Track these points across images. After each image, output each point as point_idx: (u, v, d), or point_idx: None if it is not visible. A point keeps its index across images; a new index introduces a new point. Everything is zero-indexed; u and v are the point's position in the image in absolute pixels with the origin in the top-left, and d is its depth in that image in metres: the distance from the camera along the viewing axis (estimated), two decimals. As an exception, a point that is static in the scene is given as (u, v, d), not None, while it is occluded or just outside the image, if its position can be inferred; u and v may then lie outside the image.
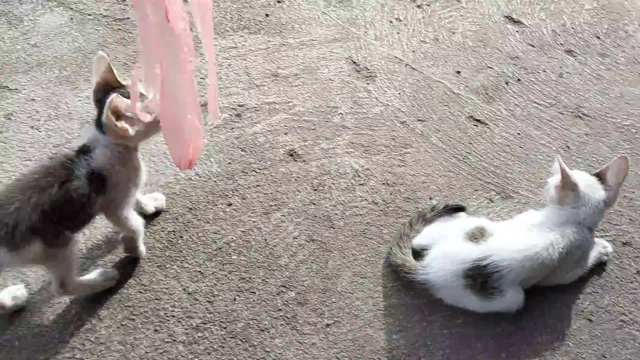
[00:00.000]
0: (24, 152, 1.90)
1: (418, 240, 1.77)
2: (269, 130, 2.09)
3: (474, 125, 2.18)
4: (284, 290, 1.67)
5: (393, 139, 2.11)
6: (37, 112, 2.01)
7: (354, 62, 2.37)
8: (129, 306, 1.60)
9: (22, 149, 1.91)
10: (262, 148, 2.03)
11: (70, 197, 1.35)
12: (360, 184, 1.95)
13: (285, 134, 2.08)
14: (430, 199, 1.92)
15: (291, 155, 2.02)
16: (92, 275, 1.58)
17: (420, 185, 1.96)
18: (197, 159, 1.43)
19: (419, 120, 2.18)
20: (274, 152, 2.02)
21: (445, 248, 1.66)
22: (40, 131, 1.96)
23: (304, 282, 1.69)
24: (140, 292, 1.63)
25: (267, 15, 2.51)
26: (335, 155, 2.03)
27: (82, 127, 1.99)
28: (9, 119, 1.98)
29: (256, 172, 1.96)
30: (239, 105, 2.15)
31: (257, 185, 1.91)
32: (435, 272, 1.61)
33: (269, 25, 2.47)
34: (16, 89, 2.07)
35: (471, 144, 2.11)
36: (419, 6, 2.67)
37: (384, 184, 1.96)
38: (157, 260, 1.70)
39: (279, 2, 2.58)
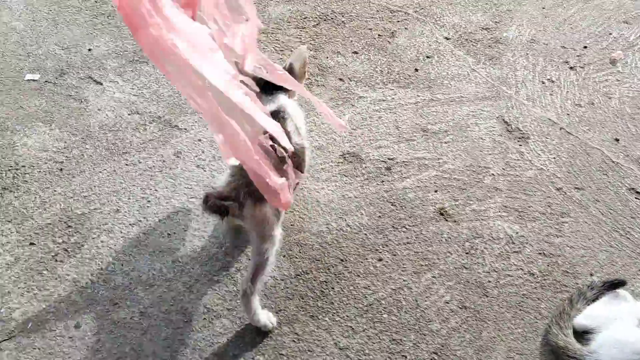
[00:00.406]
0: (190, 190, 2.01)
1: (580, 321, 1.66)
2: (418, 186, 2.07)
3: (636, 198, 2.04)
4: (436, 359, 1.62)
5: (549, 206, 2.02)
6: (203, 152, 2.14)
7: (506, 122, 2.32)
8: (282, 354, 1.62)
9: (188, 186, 2.03)
10: (412, 204, 2.02)
11: None
12: (514, 252, 1.87)
13: (435, 191, 2.06)
14: (591, 275, 1.81)
15: (442, 214, 1.99)
16: (260, 313, 1.62)
17: (580, 259, 1.86)
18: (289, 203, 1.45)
19: (576, 188, 2.08)
20: (424, 210, 2.00)
21: (616, 335, 1.55)
22: (205, 170, 2.08)
23: (457, 352, 1.63)
24: (293, 341, 1.65)
25: (416, 70, 2.53)
26: (487, 217, 1.97)
27: (241, 170, 2.09)
28: (178, 156, 2.11)
29: (406, 228, 1.95)
30: (389, 159, 2.16)
31: (407, 242, 1.90)
32: (604, 360, 1.50)
33: (418, 80, 2.48)
34: (185, 129, 2.22)
35: (634, 218, 1.98)
36: (572, 68, 2.58)
37: (540, 253, 1.87)
38: (310, 310, 1.72)
39: (428, 57, 2.60)
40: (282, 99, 1.69)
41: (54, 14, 2.67)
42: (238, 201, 1.49)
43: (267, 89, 1.62)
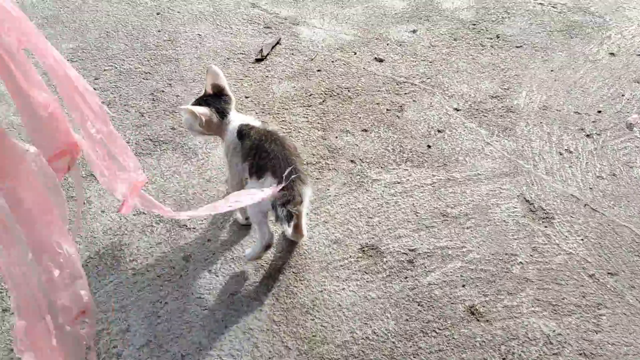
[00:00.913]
0: (202, 300, 1.89)
1: None
2: (444, 281, 1.96)
3: (674, 280, 1.94)
4: None
5: (583, 297, 1.90)
6: (213, 254, 2.02)
7: (527, 201, 2.22)
8: None
9: (200, 295, 1.90)
10: (439, 303, 1.90)
11: None
12: (554, 354, 1.75)
13: (463, 286, 1.94)
14: (640, 377, 1.68)
15: (472, 313, 1.87)
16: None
17: (623, 357, 1.73)
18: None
19: (609, 273, 1.97)
20: (453, 309, 1.88)
21: None
22: (217, 276, 1.96)
23: None
24: None
25: (429, 146, 2.44)
26: (520, 314, 1.86)
27: (257, 272, 1.97)
28: (187, 261, 2.00)
29: (436, 332, 1.82)
30: (410, 250, 2.05)
31: (439, 350, 1.77)
32: None
33: (432, 158, 2.40)
34: (193, 228, 2.11)
35: (674, 304, 1.87)
36: (588, 135, 2.50)
37: (581, 354, 1.75)
38: None
39: (439, 131, 2.52)
40: (237, 116, 1.99)
41: (52, 105, 2.58)
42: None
43: (221, 114, 1.94)
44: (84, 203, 2.18)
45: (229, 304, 1.89)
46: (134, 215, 2.14)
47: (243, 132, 1.92)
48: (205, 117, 1.90)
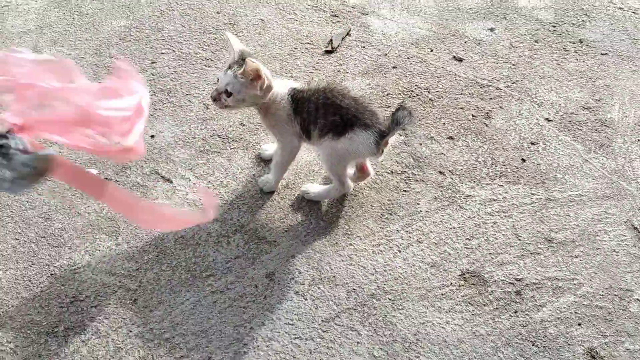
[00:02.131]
0: (292, 326, 1.67)
1: None
2: (558, 318, 1.75)
3: None
4: None
5: None
6: (300, 272, 1.80)
7: (636, 229, 2.02)
8: None
9: (289, 321, 1.68)
10: (556, 343, 1.69)
11: None
12: (691, 411, 1.56)
13: (579, 324, 1.74)
14: None
15: (592, 356, 1.67)
16: None
17: None
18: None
19: None
20: (572, 351, 1.68)
21: None
22: (305, 299, 1.74)
23: None
24: None
25: (523, 160, 2.22)
26: (646, 361, 1.66)
27: (349, 296, 1.76)
28: (271, 279, 1.77)
29: (556, 378, 1.62)
30: (517, 280, 1.84)
31: (563, 400, 1.57)
32: None
33: (528, 173, 2.18)
34: (274, 242, 1.88)
35: None
36: (693, 156, 2.29)
37: None
38: None
39: (532, 144, 2.30)
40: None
41: (106, 90, 2.32)
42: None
43: None
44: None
45: (322, 332, 1.67)
46: (208, 223, 1.91)
47: (296, 97, 1.83)
48: (268, 80, 1.76)
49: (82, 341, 1.60)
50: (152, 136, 2.16)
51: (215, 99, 1.79)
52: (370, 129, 1.80)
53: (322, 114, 1.80)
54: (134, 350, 1.59)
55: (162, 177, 2.03)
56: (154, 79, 2.38)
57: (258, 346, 1.62)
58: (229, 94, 1.77)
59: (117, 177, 2.01)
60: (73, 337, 1.60)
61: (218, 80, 1.80)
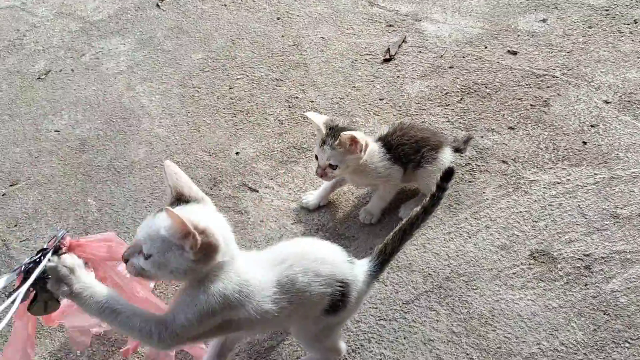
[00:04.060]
0: (375, 309, 1.87)
1: None
2: (629, 288, 1.85)
3: None
4: None
5: None
6: (379, 262, 1.99)
7: None
8: None
9: (373, 305, 1.88)
10: (627, 311, 1.79)
11: None
12: None
13: (650, 293, 1.82)
14: None
15: (666, 321, 1.75)
16: None
17: None
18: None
19: None
20: (644, 317, 1.76)
21: None
22: (386, 285, 1.93)
23: None
24: None
25: (584, 143, 2.32)
26: None
27: (425, 280, 1.93)
28: (354, 270, 1.97)
29: (629, 343, 1.72)
30: (585, 255, 1.95)
31: (639, 363, 1.67)
32: None
33: (590, 155, 2.27)
34: (353, 237, 2.08)
35: None
36: None
37: None
38: None
39: (592, 126, 2.38)
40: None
41: (193, 116, 2.63)
42: None
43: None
44: (242, 213, 2.20)
45: (404, 313, 1.85)
46: (291, 224, 2.15)
47: (388, 144, 2.02)
48: (364, 140, 1.95)
49: None
50: (237, 153, 2.43)
51: (322, 175, 1.96)
52: (450, 145, 2.12)
53: (415, 150, 2.02)
54: None
55: (250, 187, 2.29)
56: (233, 102, 2.66)
57: (347, 328, 1.82)
58: (334, 167, 1.94)
59: (210, 191, 2.29)
60: None
61: (316, 157, 1.96)
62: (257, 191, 2.27)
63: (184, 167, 2.39)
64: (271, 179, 2.32)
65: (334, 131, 1.92)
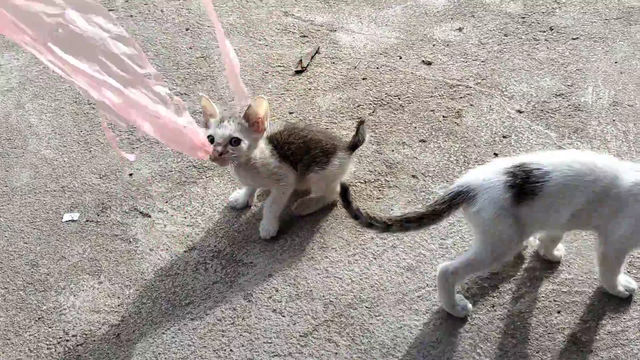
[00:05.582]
0: (270, 345, 1.71)
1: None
2: (537, 308, 1.76)
3: None
4: None
5: (698, 318, 1.68)
6: (277, 290, 1.84)
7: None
8: None
9: (267, 340, 1.72)
10: (535, 333, 1.69)
11: None
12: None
13: (559, 312, 1.74)
14: None
15: (574, 342, 1.66)
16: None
17: None
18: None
19: None
20: (554, 339, 1.67)
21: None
22: (283, 315, 1.77)
23: None
24: None
25: (495, 154, 2.24)
26: (627, 341, 1.64)
27: (326, 308, 1.78)
28: (249, 300, 1.82)
29: (536, 368, 1.61)
30: (493, 274, 1.85)
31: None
32: None
33: (501, 167, 2.18)
34: (251, 263, 1.93)
35: None
36: None
37: None
38: None
39: (504, 137, 2.31)
40: None
41: (86, 135, 2.42)
42: None
43: None
44: (130, 241, 2.01)
45: (300, 347, 1.70)
46: (184, 252, 1.97)
47: (275, 142, 1.93)
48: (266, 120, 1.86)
49: (69, 379, 1.66)
50: (131, 174, 2.24)
51: (222, 153, 1.73)
52: (346, 149, 2.00)
53: (304, 151, 1.92)
54: (119, 383, 1.64)
55: (141, 212, 2.10)
56: (130, 120, 2.47)
57: (238, 367, 1.66)
58: (237, 142, 1.75)
59: (97, 218, 2.09)
60: (61, 376, 1.67)
61: (212, 137, 1.76)
62: (149, 216, 2.09)
63: (69, 192, 2.19)
64: (166, 202, 2.14)
65: (230, 114, 1.83)
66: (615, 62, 2.63)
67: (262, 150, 1.88)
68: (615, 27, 2.84)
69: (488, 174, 1.56)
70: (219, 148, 1.74)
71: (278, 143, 1.92)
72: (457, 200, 1.55)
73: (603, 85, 2.51)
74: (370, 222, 1.55)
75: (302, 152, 1.92)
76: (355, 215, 1.56)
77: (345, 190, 1.56)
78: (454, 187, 1.58)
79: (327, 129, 2.36)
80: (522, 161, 1.57)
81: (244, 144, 1.78)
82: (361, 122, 2.03)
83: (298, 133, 1.95)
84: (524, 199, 1.53)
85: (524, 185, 1.52)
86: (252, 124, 1.81)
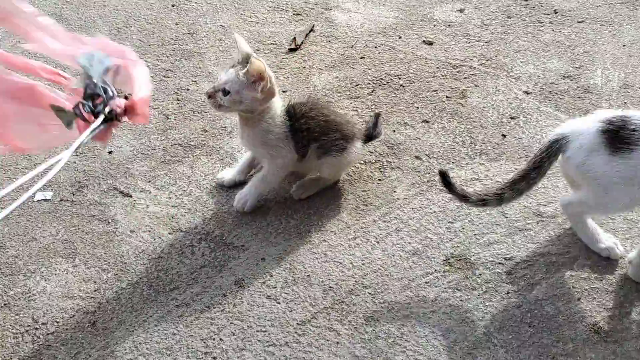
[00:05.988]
0: (265, 334, 1.54)
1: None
2: (555, 295, 1.61)
3: None
4: None
5: None
6: (271, 275, 1.67)
7: (631, 193, 1.87)
8: None
9: (261, 328, 1.55)
10: (555, 321, 1.55)
11: None
12: None
13: (579, 299, 1.59)
14: None
15: (597, 332, 1.52)
16: None
17: None
18: None
19: None
20: (573, 328, 1.53)
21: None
22: (278, 302, 1.61)
23: None
24: None
25: (503, 135, 2.10)
26: (656, 331, 1.51)
27: (325, 295, 1.62)
28: (240, 285, 1.65)
29: None
30: (506, 259, 1.71)
31: (568, 383, 1.42)
32: None
33: (510, 149, 2.05)
34: (242, 246, 1.76)
35: None
36: None
37: None
38: None
39: (512, 118, 2.17)
40: None
41: (62, 111, 2.23)
42: None
43: None
44: (108, 222, 1.83)
45: (298, 336, 1.54)
46: (169, 234, 1.79)
47: (294, 112, 1.78)
48: (271, 84, 1.69)
49: (37, 372, 1.47)
50: (110, 152, 2.06)
51: (210, 96, 1.70)
52: (362, 139, 1.88)
53: (323, 131, 1.78)
54: (93, 376, 1.46)
55: (121, 192, 1.92)
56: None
57: (229, 358, 1.48)
58: (226, 93, 1.67)
59: (73, 197, 1.90)
60: (27, 368, 1.48)
61: (218, 78, 1.72)
62: (130, 196, 1.91)
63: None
64: (149, 181, 1.96)
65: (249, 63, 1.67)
66: (624, 45, 2.52)
67: (273, 117, 1.75)
68: (621, 12, 2.73)
69: (585, 121, 1.54)
70: (209, 90, 1.71)
71: (295, 114, 1.77)
72: (554, 149, 1.54)
73: (612, 67, 2.40)
74: (482, 199, 1.55)
75: (320, 131, 1.78)
76: (464, 196, 1.55)
77: (444, 175, 1.58)
78: (551, 136, 1.57)
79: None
80: (624, 112, 1.50)
81: (233, 97, 1.67)
82: (378, 115, 1.94)
83: (320, 110, 1.81)
84: (620, 149, 1.45)
85: (618, 132, 1.45)
86: (253, 82, 1.67)
